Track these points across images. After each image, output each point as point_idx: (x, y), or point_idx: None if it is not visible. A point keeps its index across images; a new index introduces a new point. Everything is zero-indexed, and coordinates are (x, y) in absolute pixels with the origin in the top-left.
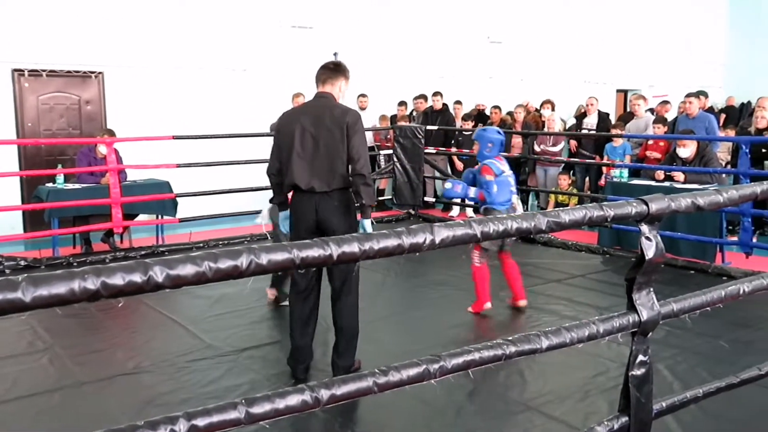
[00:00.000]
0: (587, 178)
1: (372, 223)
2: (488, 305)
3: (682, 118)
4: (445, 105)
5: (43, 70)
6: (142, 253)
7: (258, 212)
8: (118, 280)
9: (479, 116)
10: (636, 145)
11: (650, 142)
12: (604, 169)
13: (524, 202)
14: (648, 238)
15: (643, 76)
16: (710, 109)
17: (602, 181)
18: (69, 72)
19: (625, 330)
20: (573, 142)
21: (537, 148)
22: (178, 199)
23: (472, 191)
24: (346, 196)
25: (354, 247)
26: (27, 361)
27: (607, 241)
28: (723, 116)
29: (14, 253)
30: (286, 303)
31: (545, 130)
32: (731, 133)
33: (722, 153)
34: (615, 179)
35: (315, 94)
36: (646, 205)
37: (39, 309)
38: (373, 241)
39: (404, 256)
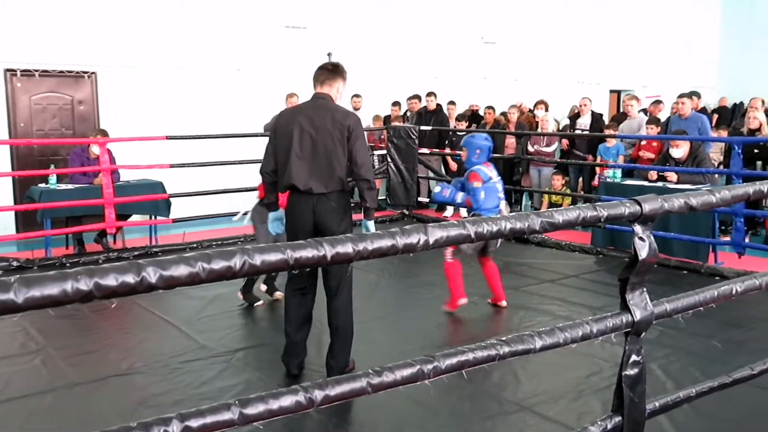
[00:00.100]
0: (581, 179)
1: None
2: (463, 301)
3: (675, 119)
4: (438, 105)
5: (36, 70)
6: (136, 253)
7: (237, 213)
8: (111, 281)
9: (473, 117)
10: (629, 146)
11: (643, 142)
12: (598, 169)
13: (518, 202)
14: (641, 239)
15: (636, 76)
16: (703, 110)
17: (596, 182)
18: (62, 72)
19: (619, 330)
20: (564, 141)
21: (531, 149)
22: (171, 199)
23: (460, 196)
24: (343, 197)
25: (348, 248)
26: (19, 362)
27: (601, 241)
28: (715, 117)
29: (6, 254)
30: (260, 303)
31: (539, 130)
32: (724, 133)
33: (715, 153)
34: (608, 179)
35: (313, 95)
36: (640, 205)
37: (31, 310)
38: (366, 242)
39: (398, 257)
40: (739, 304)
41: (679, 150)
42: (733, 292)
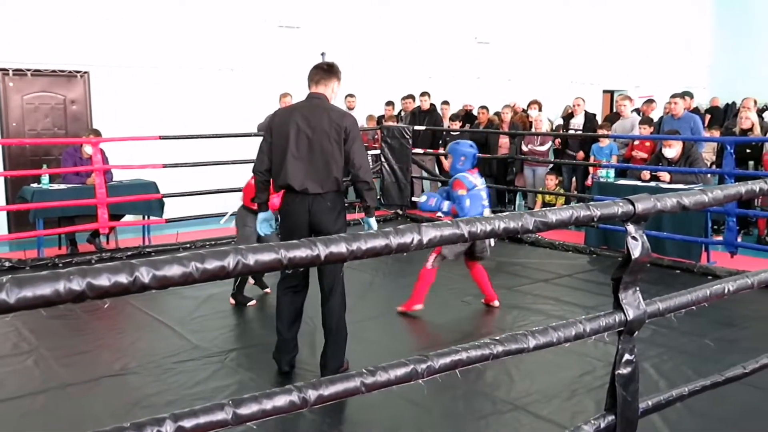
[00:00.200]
0: (574, 179)
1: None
2: (418, 307)
3: (668, 119)
4: (432, 105)
5: (28, 70)
6: (129, 253)
7: (224, 214)
8: (103, 281)
9: (467, 117)
10: (622, 146)
11: (636, 142)
12: (591, 169)
13: (511, 202)
14: (634, 238)
15: (629, 76)
16: (695, 110)
17: (589, 181)
18: (54, 71)
19: (612, 329)
20: (558, 140)
21: (525, 148)
22: (164, 199)
23: (446, 205)
24: (338, 197)
25: (342, 248)
26: (11, 362)
27: (594, 240)
28: (708, 117)
29: None
30: (252, 302)
31: (533, 130)
32: (716, 133)
33: (707, 153)
34: (601, 179)
35: (308, 95)
36: (633, 205)
37: (24, 310)
38: (360, 242)
39: (392, 256)
40: (732, 303)
41: (672, 150)
42: (726, 291)
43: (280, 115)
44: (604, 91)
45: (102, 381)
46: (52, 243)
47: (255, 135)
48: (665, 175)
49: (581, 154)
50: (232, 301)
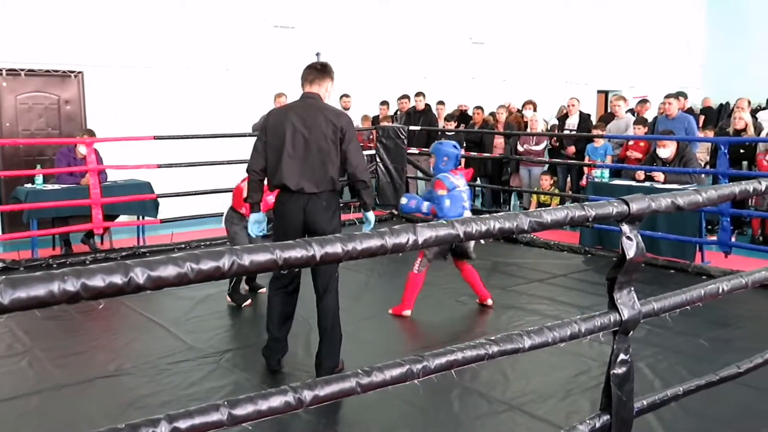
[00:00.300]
0: (569, 179)
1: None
2: (408, 312)
3: (662, 119)
4: (427, 105)
5: (22, 70)
6: (123, 254)
7: (221, 214)
8: (98, 281)
9: (462, 117)
10: (617, 146)
11: (631, 142)
12: (586, 169)
13: (506, 202)
14: (629, 238)
15: (623, 77)
16: (689, 110)
17: (584, 182)
18: (48, 71)
19: (607, 329)
20: (554, 140)
21: (520, 148)
22: (159, 199)
23: (425, 206)
24: (333, 197)
25: (337, 248)
26: (5, 364)
27: (589, 240)
28: (702, 117)
29: None
30: (248, 302)
31: (528, 130)
32: (710, 134)
33: (701, 153)
34: (596, 179)
35: (302, 95)
36: (627, 205)
37: (18, 311)
38: (356, 242)
39: (387, 257)
40: (726, 303)
41: (666, 150)
42: (720, 291)
43: (275, 114)
44: (599, 92)
45: (96, 382)
46: (46, 243)
47: (250, 135)
48: (660, 176)
49: (572, 148)
50: (228, 299)
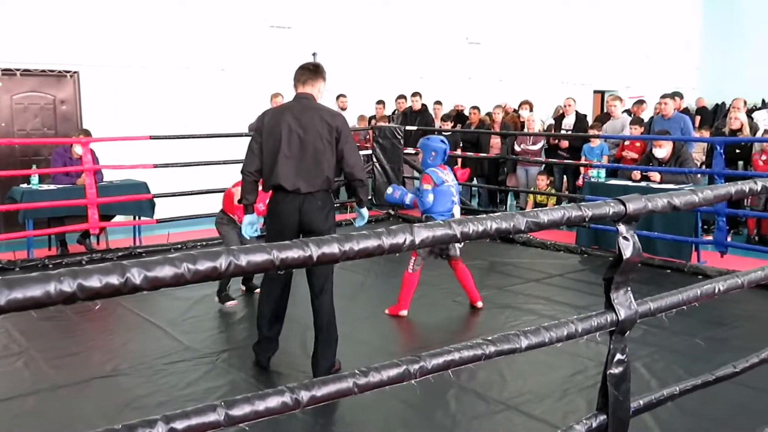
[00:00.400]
0: (565, 179)
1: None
2: (404, 312)
3: (658, 119)
4: (424, 105)
5: (17, 69)
6: (120, 254)
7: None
8: (94, 282)
9: (458, 117)
10: (613, 146)
11: (627, 142)
12: (582, 169)
13: (503, 202)
14: (625, 238)
15: (619, 77)
16: (685, 110)
17: (580, 182)
18: (44, 71)
19: (603, 329)
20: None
21: (517, 148)
22: (155, 199)
23: (408, 197)
24: (328, 197)
25: (334, 248)
26: (2, 364)
27: (585, 240)
28: (698, 118)
29: None
30: (233, 303)
31: (525, 130)
32: (706, 134)
33: (697, 153)
34: (593, 179)
35: (296, 95)
36: (624, 205)
37: (14, 312)
38: (353, 242)
39: (384, 257)
40: (722, 303)
41: (662, 150)
42: (716, 290)
43: (270, 115)
44: (595, 92)
45: (93, 382)
46: (42, 244)
47: (246, 135)
48: (656, 175)
49: (565, 143)
50: (217, 299)
